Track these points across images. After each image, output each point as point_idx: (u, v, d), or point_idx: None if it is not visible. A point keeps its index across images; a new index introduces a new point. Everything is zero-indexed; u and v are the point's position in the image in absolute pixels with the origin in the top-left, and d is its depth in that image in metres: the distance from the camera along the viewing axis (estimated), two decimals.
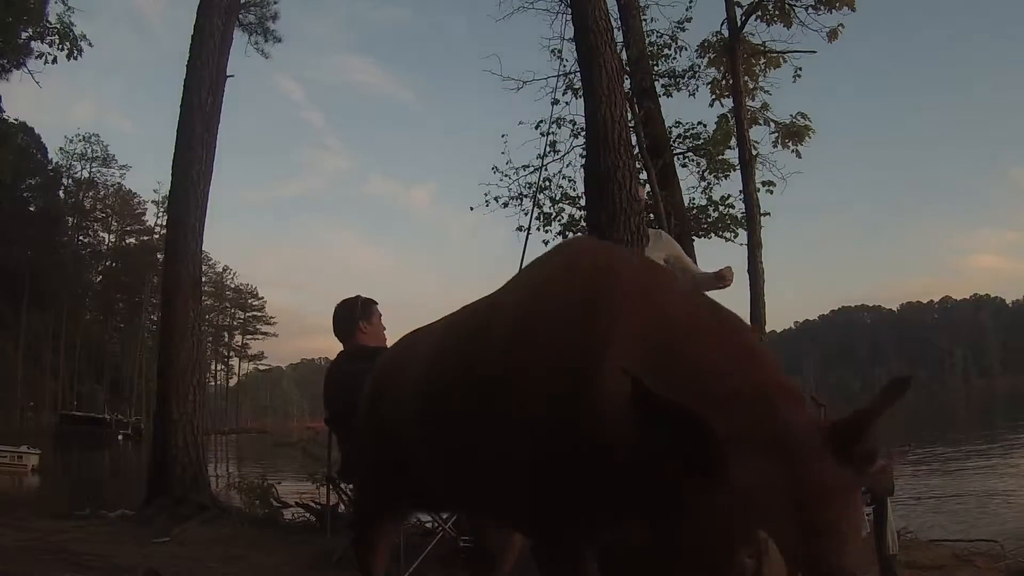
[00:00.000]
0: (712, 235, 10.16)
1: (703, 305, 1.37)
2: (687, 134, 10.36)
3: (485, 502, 1.66)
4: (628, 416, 1.13)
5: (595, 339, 1.33)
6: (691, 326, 1.28)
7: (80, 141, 57.83)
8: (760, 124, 9.93)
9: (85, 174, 58.79)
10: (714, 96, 10.31)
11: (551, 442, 1.33)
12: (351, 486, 4.45)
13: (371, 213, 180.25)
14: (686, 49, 10.10)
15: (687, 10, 10.46)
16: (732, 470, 1.02)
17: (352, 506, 2.41)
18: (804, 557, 0.97)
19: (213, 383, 69.92)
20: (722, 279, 3.96)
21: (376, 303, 4.12)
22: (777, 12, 9.55)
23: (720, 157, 10.34)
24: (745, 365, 1.19)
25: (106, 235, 62.06)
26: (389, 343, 4.09)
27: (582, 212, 9.45)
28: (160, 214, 53.05)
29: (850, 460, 1.04)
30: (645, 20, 9.81)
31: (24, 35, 12.37)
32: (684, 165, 10.34)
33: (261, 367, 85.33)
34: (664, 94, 9.99)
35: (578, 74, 5.00)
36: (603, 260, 1.52)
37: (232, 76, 7.81)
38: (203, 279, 7.78)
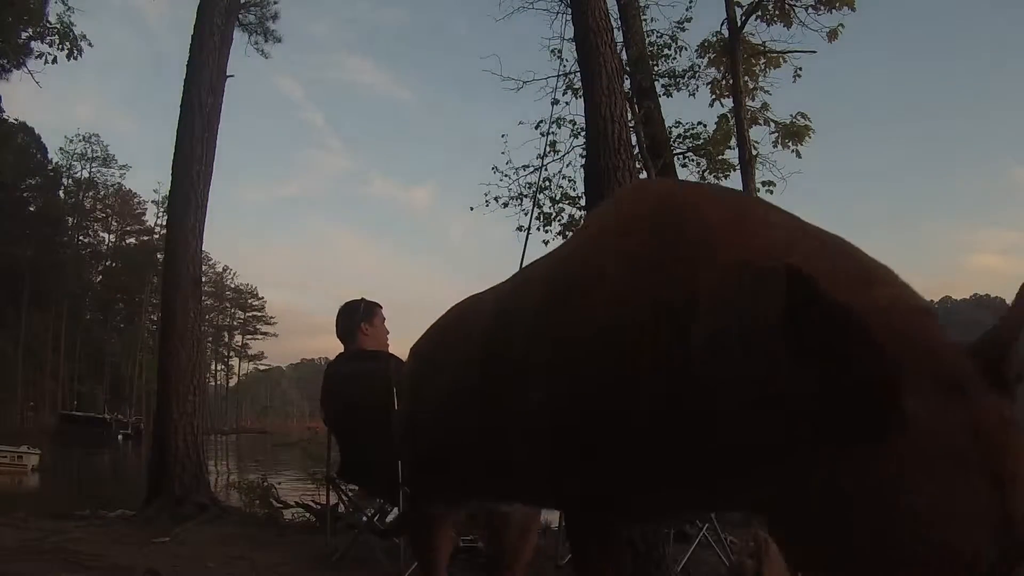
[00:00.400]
0: None
1: (809, 230, 1.16)
2: (687, 134, 10.37)
3: (529, 484, 1.49)
4: (745, 346, 0.95)
5: (689, 265, 1.11)
6: (799, 248, 1.06)
7: (80, 141, 57.85)
8: (760, 124, 9.94)
9: (85, 174, 58.81)
10: (714, 96, 10.32)
11: (623, 395, 1.14)
12: (351, 486, 4.46)
13: (371, 213, 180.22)
14: (686, 49, 10.12)
15: (687, 10, 10.49)
16: (910, 413, 0.80)
17: (403, 501, 2.33)
18: (1000, 519, 0.78)
19: (213, 383, 69.98)
20: None
21: (380, 307, 4.13)
22: (777, 12, 9.57)
23: (720, 157, 10.34)
24: (874, 285, 0.96)
25: (106, 235, 62.13)
26: (391, 347, 4.11)
27: (582, 212, 9.45)
28: (160, 214, 53.07)
29: (1006, 386, 0.85)
30: (645, 20, 9.83)
31: (24, 35, 12.38)
32: (684, 165, 10.35)
33: (261, 367, 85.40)
34: (664, 94, 10.00)
35: (578, 74, 4.99)
36: (685, 192, 1.36)
37: (232, 76, 7.81)
38: (203, 279, 7.77)
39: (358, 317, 4.02)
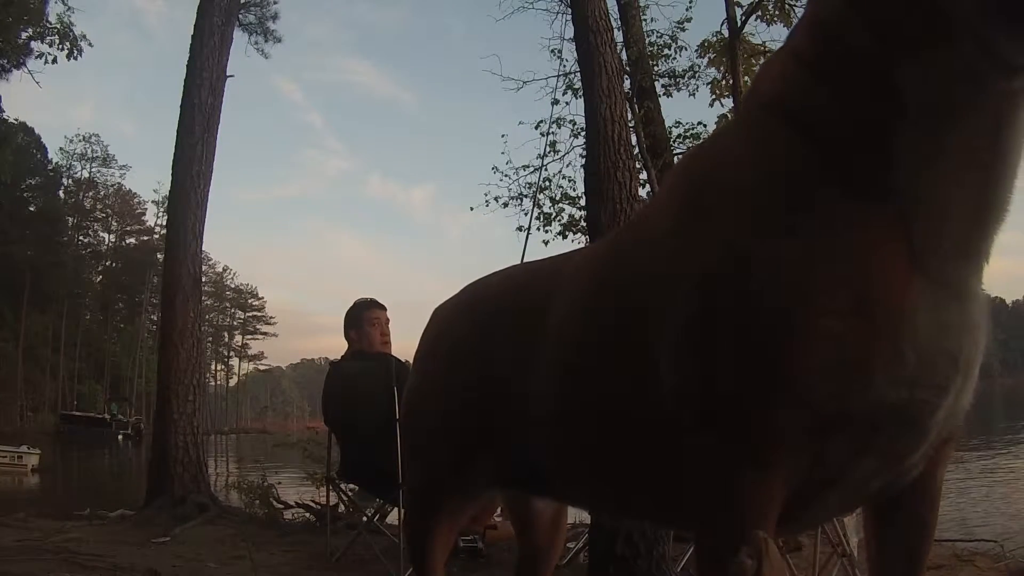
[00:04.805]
0: None
1: None
2: (687, 134, 10.37)
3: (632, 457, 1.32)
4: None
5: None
6: None
7: (80, 141, 57.94)
8: None
9: (85, 174, 58.89)
10: (714, 96, 10.33)
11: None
12: (351, 486, 4.47)
13: (371, 213, 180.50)
14: (686, 49, 10.13)
15: (687, 10, 10.49)
16: None
17: (407, 492, 1.95)
18: None
19: (213, 383, 69.99)
20: None
21: (379, 307, 4.13)
22: (777, 12, 9.56)
23: None
24: None
25: (106, 235, 62.16)
26: (397, 342, 4.12)
27: (582, 212, 9.45)
28: (160, 214, 53.09)
29: None
30: (645, 20, 9.84)
31: (24, 35, 12.39)
32: None
33: (261, 367, 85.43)
34: (664, 94, 10.02)
35: (578, 74, 5.00)
36: None
37: (232, 76, 7.82)
38: (203, 279, 7.77)
39: (350, 321, 4.05)
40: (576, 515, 4.31)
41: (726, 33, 9.50)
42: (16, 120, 33.19)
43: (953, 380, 1.07)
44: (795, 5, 9.50)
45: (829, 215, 1.04)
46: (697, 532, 1.21)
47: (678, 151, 10.14)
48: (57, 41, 11.66)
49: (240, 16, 9.17)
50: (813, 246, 1.03)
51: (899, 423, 1.07)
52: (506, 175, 10.78)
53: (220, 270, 70.11)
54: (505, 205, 10.84)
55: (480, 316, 1.75)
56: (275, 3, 11.37)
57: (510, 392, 1.57)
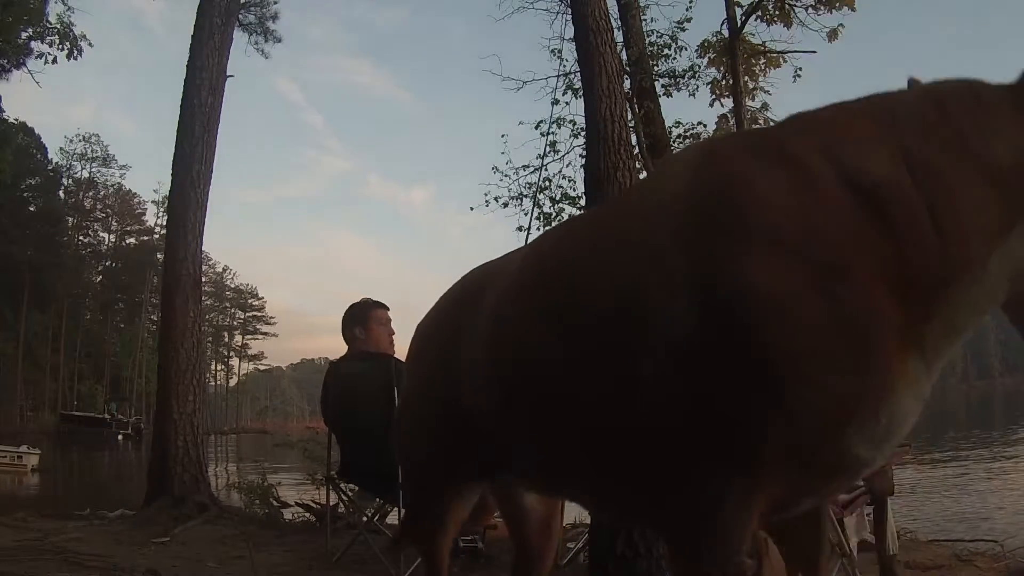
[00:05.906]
0: None
1: None
2: (687, 134, 10.34)
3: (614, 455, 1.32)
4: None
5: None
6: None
7: (80, 141, 57.85)
8: (760, 124, 9.91)
9: (85, 174, 58.82)
10: (714, 96, 10.30)
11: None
12: (351, 486, 4.46)
13: (371, 214, 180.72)
14: (686, 49, 10.09)
15: (687, 10, 10.44)
16: None
17: (405, 495, 1.93)
18: None
19: (213, 383, 69.93)
20: None
21: (381, 307, 4.13)
22: (777, 12, 9.55)
23: None
24: None
25: (106, 235, 62.09)
26: (397, 344, 4.12)
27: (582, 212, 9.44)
28: (160, 214, 53.07)
29: None
30: (645, 20, 9.80)
31: (24, 35, 12.40)
32: None
33: (261, 367, 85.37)
34: (664, 94, 9.97)
35: (578, 74, 5.00)
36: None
37: (232, 76, 7.81)
38: (203, 279, 7.76)
39: (354, 320, 4.05)
40: (576, 515, 4.31)
41: (726, 33, 9.48)
42: (16, 120, 33.24)
43: (899, 440, 1.21)
44: (795, 5, 9.50)
45: (864, 284, 1.11)
46: (675, 545, 1.25)
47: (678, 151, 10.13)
48: (57, 41, 11.68)
49: (240, 16, 9.15)
50: (837, 307, 1.10)
51: (853, 471, 1.22)
52: (506, 175, 10.76)
53: (220, 270, 70.19)
54: (505, 205, 10.83)
55: (459, 315, 1.78)
56: (275, 3, 11.35)
57: (484, 391, 1.59)
